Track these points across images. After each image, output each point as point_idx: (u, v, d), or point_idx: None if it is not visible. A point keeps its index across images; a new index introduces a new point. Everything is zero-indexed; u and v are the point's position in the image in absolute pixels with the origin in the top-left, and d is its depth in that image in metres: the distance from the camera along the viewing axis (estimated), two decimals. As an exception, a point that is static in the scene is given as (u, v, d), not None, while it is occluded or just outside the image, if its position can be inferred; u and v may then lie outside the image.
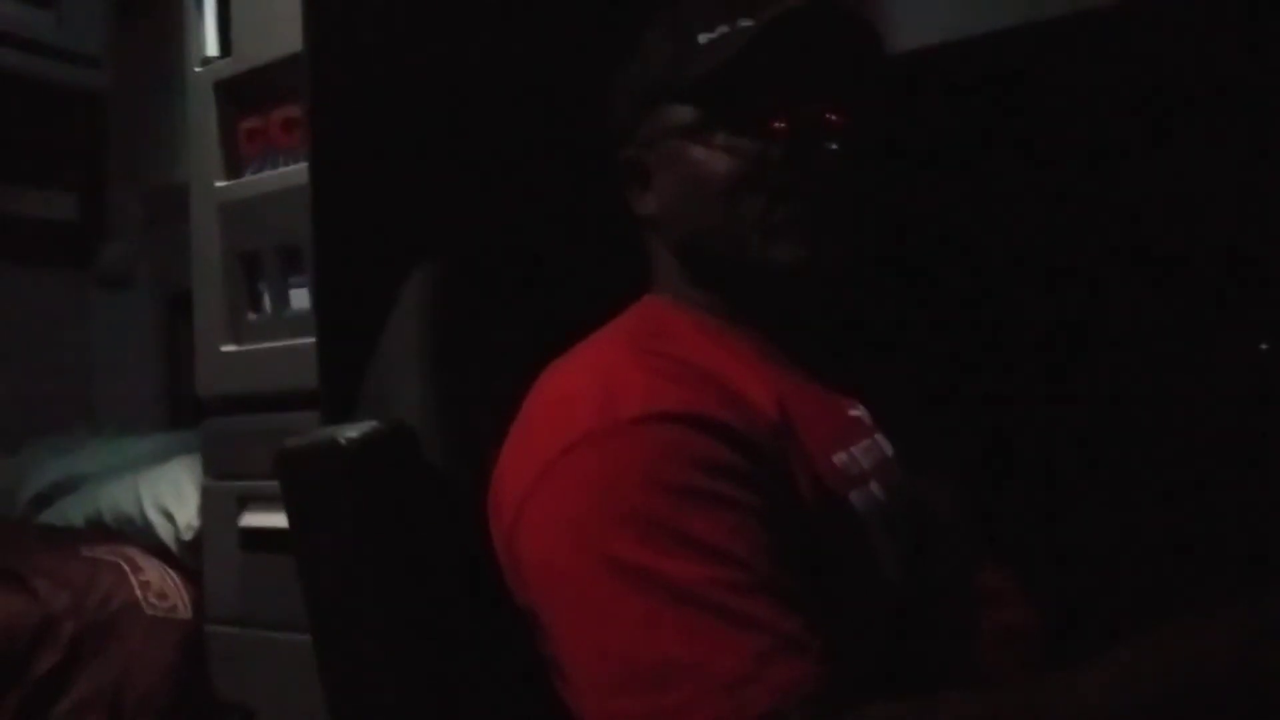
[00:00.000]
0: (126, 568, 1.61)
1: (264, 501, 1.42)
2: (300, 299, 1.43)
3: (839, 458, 0.69)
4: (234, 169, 1.51)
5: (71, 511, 1.83)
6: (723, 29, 0.71)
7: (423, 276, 0.76)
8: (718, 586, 0.54)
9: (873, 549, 0.66)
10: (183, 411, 2.10)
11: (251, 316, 1.49)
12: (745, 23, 0.70)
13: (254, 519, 1.44)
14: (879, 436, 0.74)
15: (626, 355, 0.66)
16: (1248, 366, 1.04)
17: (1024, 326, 1.10)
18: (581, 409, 0.61)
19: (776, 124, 0.70)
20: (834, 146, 0.71)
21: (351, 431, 0.69)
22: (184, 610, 1.59)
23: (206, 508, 1.55)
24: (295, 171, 1.40)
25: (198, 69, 1.54)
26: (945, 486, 0.77)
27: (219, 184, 1.51)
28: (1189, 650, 0.53)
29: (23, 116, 2.25)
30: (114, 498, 1.75)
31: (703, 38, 0.72)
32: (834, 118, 0.72)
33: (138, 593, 1.57)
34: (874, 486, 0.69)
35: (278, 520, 1.39)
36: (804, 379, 0.73)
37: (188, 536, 1.62)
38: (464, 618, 0.69)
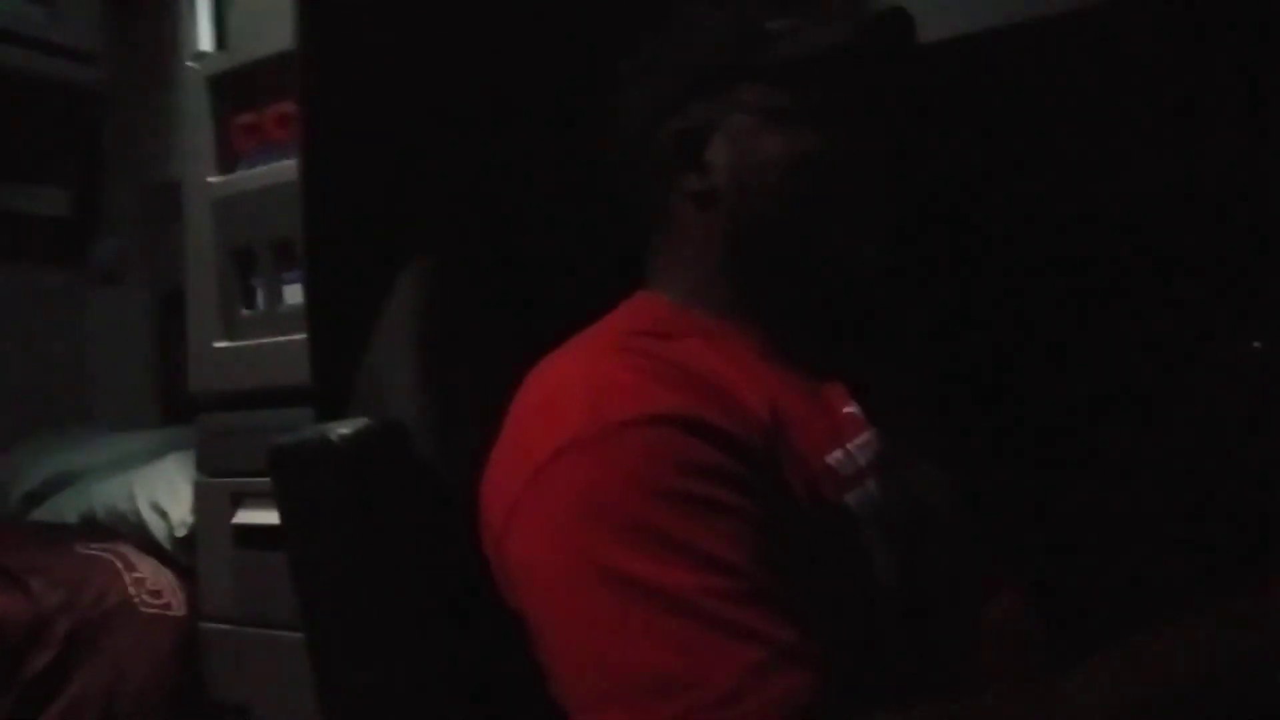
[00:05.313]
0: (120, 565, 1.60)
1: (257, 498, 1.42)
2: (294, 295, 1.43)
3: (833, 457, 0.68)
4: (227, 164, 1.51)
5: (65, 508, 1.82)
6: (790, 19, 0.72)
7: (416, 272, 0.76)
8: (712, 595, 0.53)
9: (867, 552, 0.65)
10: (176, 408, 2.09)
11: (245, 312, 1.48)
12: (815, 16, 0.72)
13: (247, 516, 1.44)
14: (875, 432, 0.74)
15: (615, 355, 0.65)
16: (1241, 364, 1.04)
17: (1019, 324, 1.10)
18: (570, 411, 0.60)
19: (866, 115, 0.72)
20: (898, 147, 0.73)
21: (344, 428, 0.69)
22: (178, 607, 1.58)
23: (200, 504, 1.54)
24: (288, 167, 1.40)
25: (191, 64, 1.53)
26: (943, 483, 0.77)
27: (212, 179, 1.50)
28: (1177, 654, 0.52)
29: (16, 111, 2.24)
30: (107, 494, 1.75)
31: (771, 25, 0.72)
32: (899, 119, 0.74)
33: (131, 590, 1.57)
34: (870, 484, 0.68)
35: (271, 517, 1.38)
36: (798, 378, 0.72)
37: (181, 533, 1.61)
38: (457, 616, 0.69)
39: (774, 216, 0.71)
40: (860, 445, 0.71)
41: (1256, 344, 1.02)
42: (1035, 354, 1.09)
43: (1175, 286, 1.05)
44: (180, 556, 1.62)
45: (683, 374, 0.63)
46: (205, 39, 1.52)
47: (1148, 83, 1.03)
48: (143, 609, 1.56)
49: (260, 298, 1.47)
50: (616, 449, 0.57)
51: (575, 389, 0.62)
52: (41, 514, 1.87)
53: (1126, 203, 1.07)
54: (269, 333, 1.43)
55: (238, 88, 1.49)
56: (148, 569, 1.61)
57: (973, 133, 1.10)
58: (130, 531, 1.68)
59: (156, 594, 1.59)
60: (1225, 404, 1.02)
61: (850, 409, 0.74)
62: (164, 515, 1.64)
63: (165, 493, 1.66)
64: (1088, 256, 1.08)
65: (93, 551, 1.62)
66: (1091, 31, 0.98)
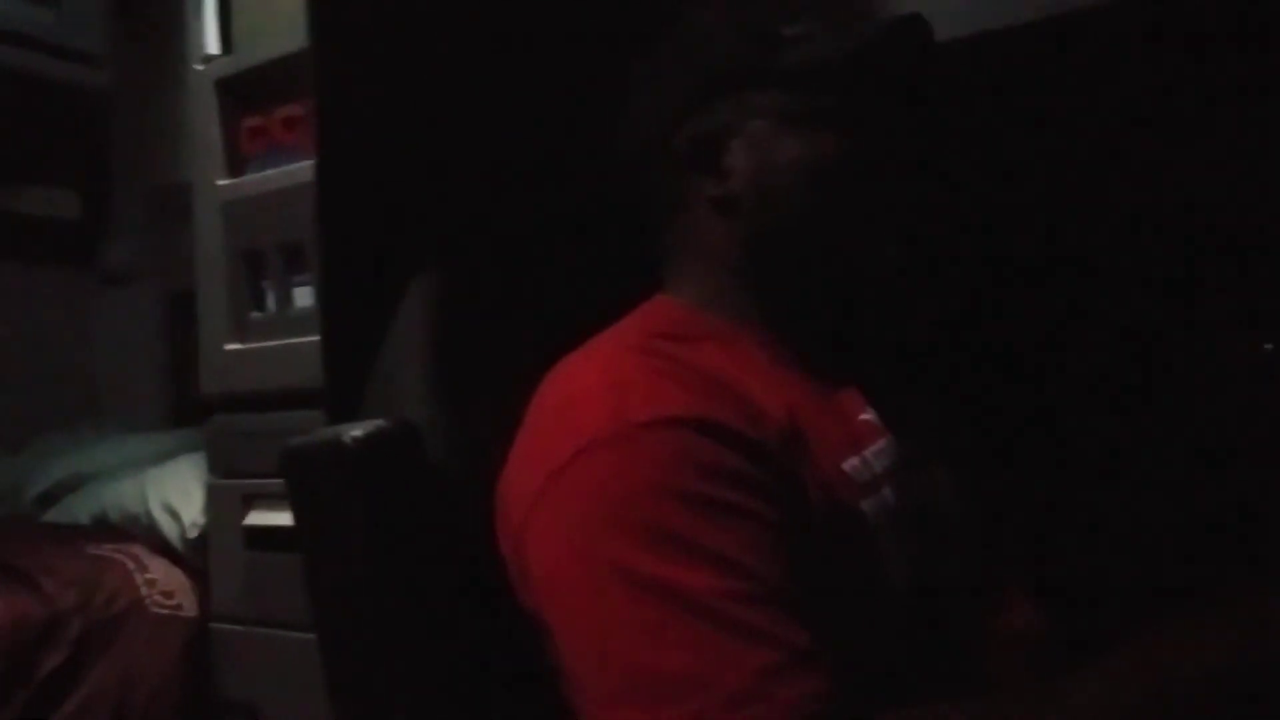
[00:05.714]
0: (132, 566, 1.61)
1: (269, 500, 1.43)
2: (304, 297, 1.44)
3: (850, 464, 0.68)
4: (236, 167, 1.51)
5: (77, 509, 1.83)
6: (807, 24, 0.72)
7: (428, 274, 0.76)
8: (727, 598, 0.53)
9: (882, 558, 0.65)
10: (185, 409, 2.10)
11: (255, 315, 1.49)
12: (831, 21, 0.73)
13: (259, 517, 1.45)
14: (892, 439, 0.74)
15: (635, 357, 0.65)
16: (1252, 367, 1.04)
17: (1029, 327, 1.10)
18: (590, 411, 0.60)
19: (883, 120, 0.72)
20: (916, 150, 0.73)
21: (356, 430, 0.69)
22: (189, 608, 1.59)
23: (211, 506, 1.55)
24: (298, 169, 1.41)
25: (199, 67, 1.54)
26: (958, 490, 0.77)
27: (221, 182, 1.51)
28: (1179, 654, 0.52)
29: (24, 114, 2.25)
30: (119, 496, 1.76)
31: (788, 30, 0.72)
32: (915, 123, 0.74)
33: (143, 591, 1.58)
34: (886, 492, 0.68)
35: (282, 518, 1.40)
36: (815, 384, 0.72)
37: (193, 534, 1.62)
38: (469, 617, 0.69)
39: (793, 221, 0.71)
40: (877, 452, 0.71)
41: (1268, 346, 1.02)
42: (1049, 360, 1.09)
43: (1186, 289, 1.05)
44: (192, 557, 1.63)
45: (701, 377, 0.63)
46: (212, 42, 1.53)
47: (1156, 82, 1.03)
48: (154, 609, 1.57)
49: (270, 300, 1.48)
50: (635, 450, 0.57)
51: (595, 390, 0.62)
52: (54, 515, 1.88)
53: (1138, 203, 1.07)
54: (279, 335, 1.44)
55: (245, 91, 1.50)
56: (159, 569, 1.62)
57: (981, 134, 1.10)
58: (142, 532, 1.69)
59: (168, 594, 1.60)
60: (1237, 406, 1.02)
61: (867, 415, 0.74)
62: (176, 516, 1.65)
63: (177, 494, 1.67)
64: (1100, 259, 1.08)
65: (105, 552, 1.63)
66: (1098, 31, 0.97)
